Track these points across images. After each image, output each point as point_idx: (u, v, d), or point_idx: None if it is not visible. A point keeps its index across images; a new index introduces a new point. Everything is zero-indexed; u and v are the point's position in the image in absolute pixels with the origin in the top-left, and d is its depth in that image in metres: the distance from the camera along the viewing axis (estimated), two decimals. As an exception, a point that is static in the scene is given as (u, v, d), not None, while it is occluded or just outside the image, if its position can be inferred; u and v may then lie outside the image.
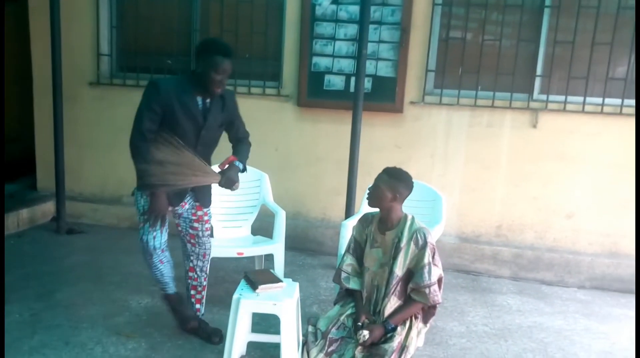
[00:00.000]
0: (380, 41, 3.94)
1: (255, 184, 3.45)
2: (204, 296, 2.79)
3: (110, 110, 4.49)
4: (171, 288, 2.63)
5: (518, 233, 4.01)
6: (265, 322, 2.77)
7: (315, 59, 4.05)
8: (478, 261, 3.97)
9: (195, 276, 2.72)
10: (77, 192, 4.65)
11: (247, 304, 2.21)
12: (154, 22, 4.35)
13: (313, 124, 4.18)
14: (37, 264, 3.58)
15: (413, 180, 2.35)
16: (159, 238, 2.50)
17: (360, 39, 3.55)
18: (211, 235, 2.90)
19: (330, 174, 4.17)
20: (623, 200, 3.82)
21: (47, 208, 4.55)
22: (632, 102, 3.76)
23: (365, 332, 2.26)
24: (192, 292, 2.75)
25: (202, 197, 2.62)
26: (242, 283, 2.37)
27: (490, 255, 3.95)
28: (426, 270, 2.24)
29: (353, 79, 3.86)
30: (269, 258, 3.30)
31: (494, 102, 3.88)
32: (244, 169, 2.58)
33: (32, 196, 4.66)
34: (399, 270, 2.30)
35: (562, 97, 3.83)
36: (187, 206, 2.60)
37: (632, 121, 3.73)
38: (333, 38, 4.00)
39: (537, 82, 3.90)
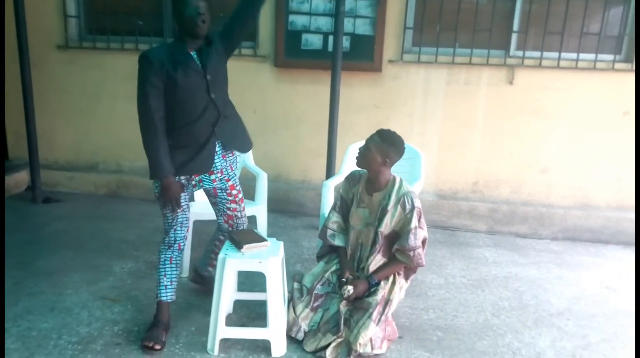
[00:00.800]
0: (357, -2, 3.87)
1: (235, 146, 3.42)
2: None
3: (81, 74, 4.35)
4: (167, 296, 2.41)
5: (494, 188, 4.11)
6: (250, 281, 2.82)
7: (291, 17, 3.96)
8: (455, 216, 4.07)
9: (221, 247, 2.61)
10: (51, 160, 4.55)
11: (232, 263, 2.23)
12: (121, -20, 4.17)
13: (291, 85, 4.13)
14: (15, 233, 3.53)
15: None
16: (179, 232, 2.40)
17: (338, -4, 3.47)
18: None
19: (309, 135, 4.16)
20: (595, 154, 3.94)
21: (21, 177, 4.45)
22: (606, 57, 3.82)
23: (350, 287, 2.32)
24: (212, 256, 2.67)
25: (239, 140, 2.42)
26: (227, 243, 2.39)
27: (467, 210, 4.05)
28: (412, 233, 2.29)
29: (331, 38, 3.81)
30: (252, 220, 3.31)
31: (471, 60, 3.89)
32: None
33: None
34: (384, 231, 2.34)
35: (537, 53, 3.86)
36: (217, 182, 2.41)
37: (605, 76, 3.80)
38: (309, -5, 3.91)
39: (514, 38, 3.91)
